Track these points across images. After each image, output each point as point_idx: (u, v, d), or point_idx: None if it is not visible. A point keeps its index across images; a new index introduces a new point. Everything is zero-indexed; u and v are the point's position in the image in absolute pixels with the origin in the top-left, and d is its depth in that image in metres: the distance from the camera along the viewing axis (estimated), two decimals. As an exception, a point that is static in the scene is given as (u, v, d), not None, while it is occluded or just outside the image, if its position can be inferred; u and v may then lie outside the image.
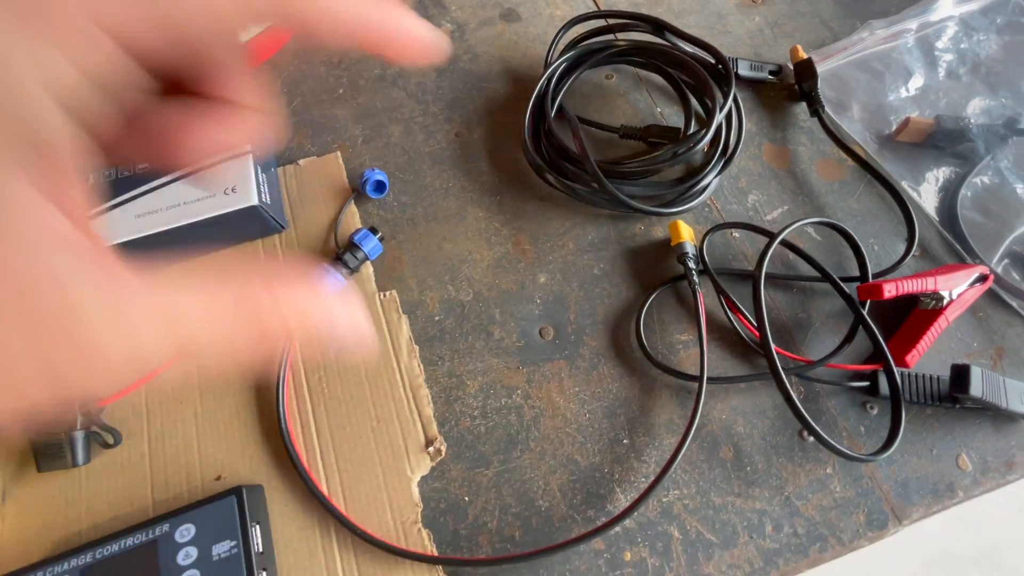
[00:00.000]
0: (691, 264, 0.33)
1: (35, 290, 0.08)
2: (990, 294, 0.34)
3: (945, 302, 0.31)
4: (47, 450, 0.29)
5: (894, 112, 0.39)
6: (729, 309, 0.32)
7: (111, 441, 0.30)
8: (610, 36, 0.41)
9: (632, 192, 0.35)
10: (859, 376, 0.31)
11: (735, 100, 0.37)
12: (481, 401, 0.31)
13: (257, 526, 0.27)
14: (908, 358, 0.30)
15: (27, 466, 0.29)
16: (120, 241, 0.31)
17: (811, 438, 0.30)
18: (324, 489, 0.29)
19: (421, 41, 0.12)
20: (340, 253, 0.33)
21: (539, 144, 0.38)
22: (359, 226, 0.35)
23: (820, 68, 0.40)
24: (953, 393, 0.29)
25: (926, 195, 0.37)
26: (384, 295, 0.34)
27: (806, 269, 0.34)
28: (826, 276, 0.32)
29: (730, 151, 0.37)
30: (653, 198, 0.36)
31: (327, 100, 0.41)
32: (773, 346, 0.29)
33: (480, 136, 0.40)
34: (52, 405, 0.09)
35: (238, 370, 0.20)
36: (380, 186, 0.37)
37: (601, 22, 0.41)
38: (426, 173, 0.38)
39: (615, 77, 0.42)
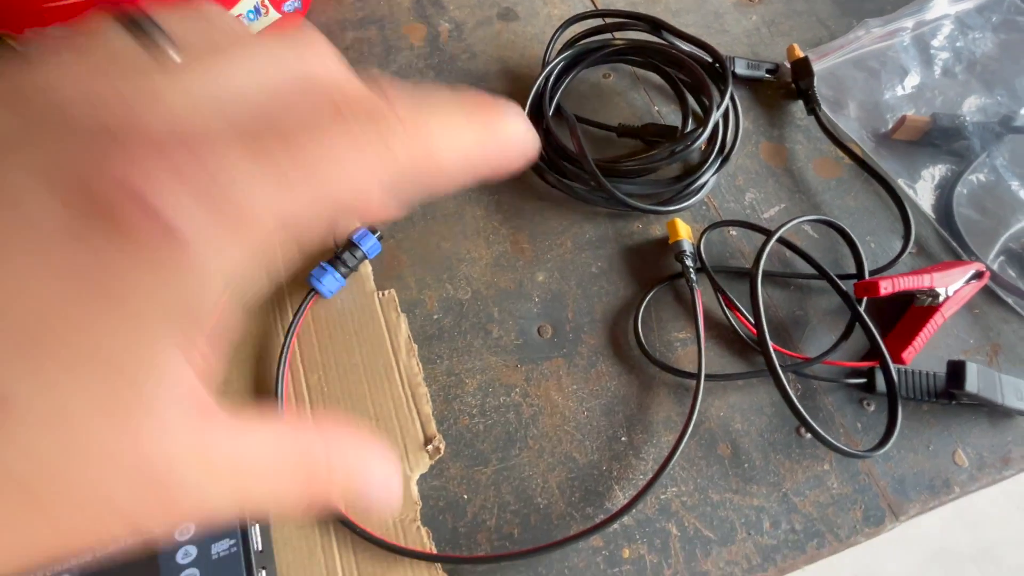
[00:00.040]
0: (689, 262, 0.33)
1: (146, 441, 0.09)
2: (986, 291, 0.34)
3: (941, 299, 0.31)
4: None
5: (890, 110, 0.39)
6: (727, 307, 0.32)
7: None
8: (607, 35, 0.41)
9: (630, 191, 0.35)
10: (856, 373, 0.31)
11: (732, 99, 0.37)
12: (480, 399, 0.31)
13: (256, 524, 0.27)
14: (904, 355, 0.30)
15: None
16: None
17: (808, 435, 0.30)
18: (323, 487, 0.29)
19: (527, 142, 0.13)
20: (339, 252, 0.33)
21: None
22: (357, 225, 0.36)
23: (817, 67, 0.40)
24: (949, 389, 0.29)
25: (922, 193, 0.37)
26: (383, 294, 0.34)
27: (803, 267, 0.34)
28: (823, 273, 0.32)
29: (727, 149, 0.37)
30: (651, 196, 0.36)
31: (325, 100, 0.41)
32: (770, 343, 0.29)
33: (478, 135, 0.40)
34: (119, 539, 0.09)
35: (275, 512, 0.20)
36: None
37: (598, 21, 0.41)
38: (424, 172, 0.38)
39: (612, 76, 0.42)
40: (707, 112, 0.35)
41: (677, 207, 0.35)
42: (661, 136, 0.38)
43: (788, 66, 0.41)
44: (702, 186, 0.36)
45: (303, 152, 0.09)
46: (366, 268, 0.35)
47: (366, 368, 0.32)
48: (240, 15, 0.40)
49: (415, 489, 0.29)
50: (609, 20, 0.41)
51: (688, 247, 0.33)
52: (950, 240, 0.35)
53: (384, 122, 0.10)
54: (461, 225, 0.36)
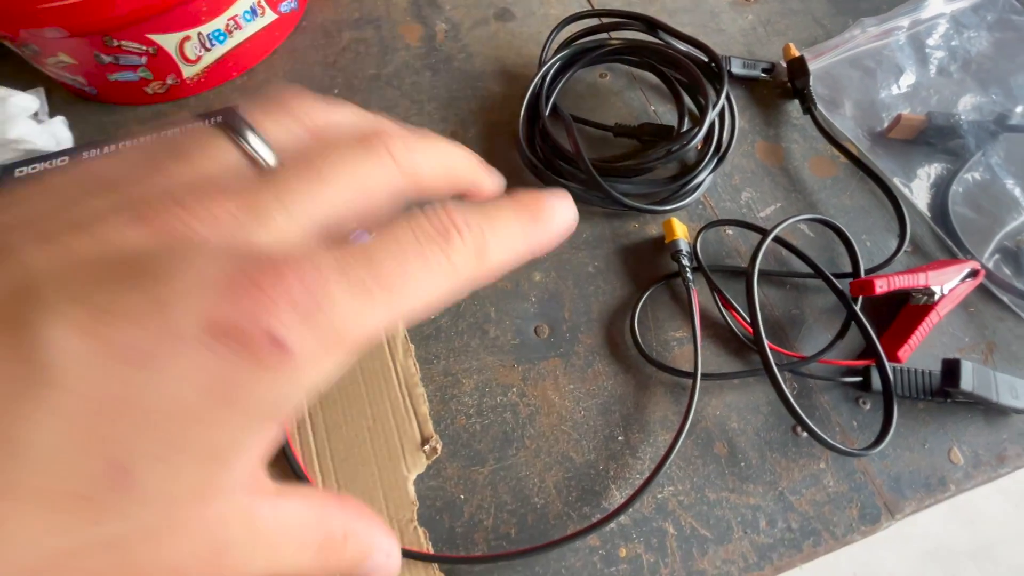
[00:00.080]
0: (685, 261, 0.33)
1: (217, 517, 0.11)
2: (981, 289, 0.34)
3: (936, 297, 0.31)
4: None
5: (886, 109, 0.40)
6: (723, 306, 0.32)
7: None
8: (604, 35, 0.41)
9: (626, 190, 0.35)
10: (852, 371, 0.31)
11: (728, 98, 0.37)
12: (477, 399, 0.31)
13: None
14: (900, 353, 0.30)
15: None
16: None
17: (804, 433, 0.30)
18: (319, 488, 0.29)
19: (572, 226, 0.14)
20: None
21: (533, 143, 0.38)
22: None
23: (812, 66, 0.40)
24: (944, 388, 0.29)
25: (918, 191, 0.37)
26: (379, 294, 0.34)
27: (799, 265, 0.34)
28: (819, 272, 0.33)
29: (723, 149, 0.37)
30: (647, 196, 0.36)
31: (321, 100, 0.41)
32: (766, 342, 0.29)
33: (475, 135, 0.40)
34: None
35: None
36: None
37: (595, 21, 0.41)
38: (421, 172, 0.38)
39: (609, 76, 0.42)
40: (703, 111, 0.36)
41: (673, 206, 0.35)
42: (657, 136, 0.38)
43: (784, 65, 0.41)
44: (698, 185, 0.36)
45: (385, 274, 0.11)
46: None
47: (363, 369, 0.32)
48: (236, 15, 0.40)
49: (412, 489, 0.29)
50: (605, 20, 0.41)
51: (684, 246, 0.33)
52: (945, 239, 0.35)
53: (451, 243, 0.12)
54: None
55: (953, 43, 0.42)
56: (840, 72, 0.41)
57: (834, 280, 0.32)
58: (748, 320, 0.31)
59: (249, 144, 0.12)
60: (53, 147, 0.37)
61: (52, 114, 0.40)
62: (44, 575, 0.09)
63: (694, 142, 0.35)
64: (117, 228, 0.10)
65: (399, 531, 0.28)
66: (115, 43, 0.37)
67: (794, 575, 0.29)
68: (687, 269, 0.33)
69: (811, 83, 0.39)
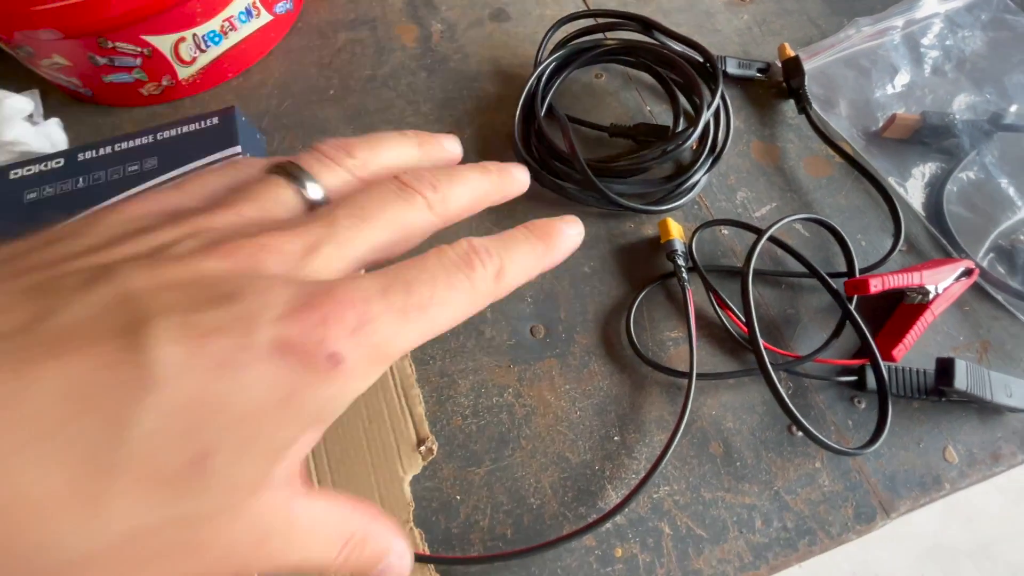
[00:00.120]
0: (680, 261, 0.33)
1: (266, 508, 0.12)
2: (976, 288, 0.34)
3: (931, 296, 0.31)
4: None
5: (881, 109, 0.40)
6: (718, 306, 0.33)
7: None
8: (599, 35, 0.41)
9: (622, 190, 0.35)
10: (847, 371, 0.31)
11: (723, 98, 0.37)
12: (472, 400, 0.31)
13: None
14: (895, 352, 0.30)
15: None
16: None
17: (800, 433, 0.30)
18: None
19: (578, 243, 0.17)
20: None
21: (529, 143, 0.38)
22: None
23: (807, 65, 0.40)
24: (938, 386, 0.29)
25: (912, 190, 0.37)
26: (375, 295, 0.34)
27: (794, 265, 0.34)
28: (813, 272, 0.33)
29: (718, 148, 0.37)
30: (643, 196, 0.36)
31: (317, 101, 0.41)
32: (761, 342, 0.29)
33: (470, 136, 0.40)
34: None
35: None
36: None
37: (590, 21, 0.41)
38: (416, 173, 0.38)
39: (604, 76, 0.42)
40: (698, 111, 0.36)
41: (669, 206, 0.35)
42: (653, 136, 0.38)
43: (779, 65, 0.41)
44: (694, 185, 0.36)
45: (418, 298, 0.13)
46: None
47: (359, 370, 0.32)
48: (231, 17, 0.40)
49: (408, 490, 0.29)
50: (601, 20, 0.41)
51: (680, 246, 0.34)
52: (940, 238, 0.35)
53: (474, 270, 0.14)
54: (454, 227, 0.36)
55: (948, 42, 0.42)
56: (835, 72, 0.41)
57: (829, 280, 0.32)
58: (743, 320, 0.31)
59: (307, 190, 0.14)
60: (48, 149, 0.37)
61: (47, 116, 0.40)
62: (131, 545, 0.11)
63: (689, 142, 0.35)
64: (202, 257, 0.12)
65: (395, 532, 0.28)
66: (110, 45, 0.37)
67: (793, 573, 0.30)
68: (682, 269, 0.33)
69: (806, 83, 0.39)
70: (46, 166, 0.33)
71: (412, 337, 0.13)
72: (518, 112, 0.38)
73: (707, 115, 0.35)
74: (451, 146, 0.18)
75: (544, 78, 0.39)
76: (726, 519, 0.28)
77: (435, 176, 0.15)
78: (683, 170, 0.36)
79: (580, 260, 0.35)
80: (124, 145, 0.34)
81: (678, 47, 0.39)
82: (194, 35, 0.38)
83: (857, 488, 0.29)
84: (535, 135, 0.38)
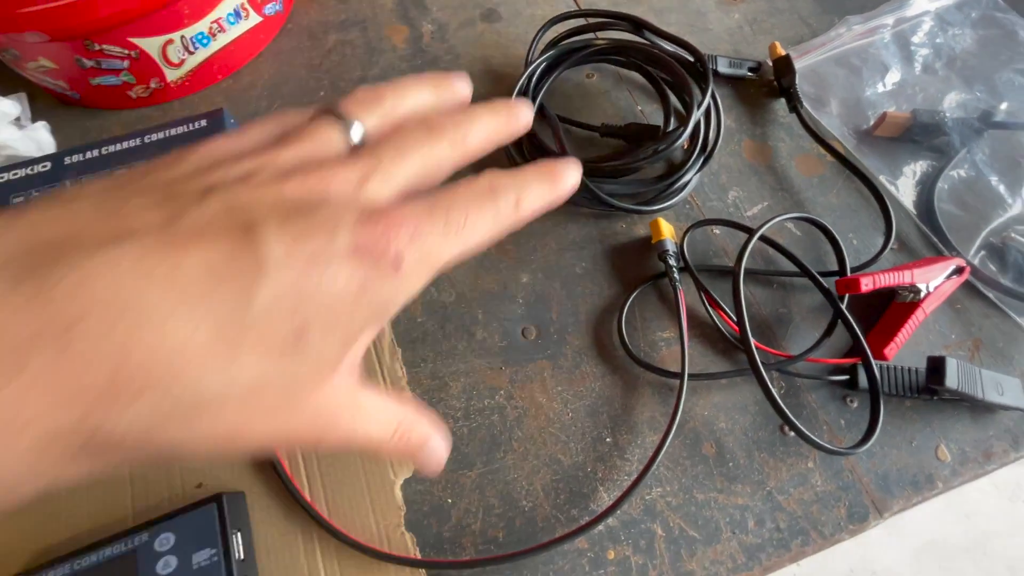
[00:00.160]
0: (672, 261, 0.33)
1: (340, 387, 0.16)
2: (967, 286, 0.34)
3: (922, 295, 0.31)
4: (24, 461, 0.28)
5: (871, 107, 0.40)
6: (710, 305, 0.32)
7: (90, 450, 0.29)
8: (590, 35, 0.41)
9: (613, 190, 0.35)
10: (839, 370, 0.31)
11: (713, 97, 0.37)
12: (464, 402, 0.31)
13: (238, 533, 0.27)
14: (886, 351, 0.30)
15: (4, 478, 0.29)
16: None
17: (792, 433, 0.30)
18: (306, 494, 0.29)
19: (577, 184, 0.19)
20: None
21: (520, 143, 0.38)
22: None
23: (798, 64, 0.40)
24: (930, 385, 0.29)
25: (903, 189, 0.37)
26: (365, 298, 0.34)
27: (786, 264, 0.34)
28: (805, 271, 0.33)
29: (709, 148, 0.37)
30: (634, 196, 0.36)
31: (308, 102, 0.41)
32: (753, 341, 0.29)
33: (461, 137, 0.40)
34: (298, 445, 0.17)
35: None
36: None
37: (581, 21, 0.41)
38: (407, 175, 0.38)
39: (595, 76, 0.42)
40: (689, 111, 0.35)
41: (660, 206, 0.35)
42: (644, 135, 0.38)
43: (770, 64, 0.41)
44: (685, 185, 0.36)
45: (455, 218, 0.16)
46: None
47: (349, 373, 0.32)
48: (220, 18, 0.39)
49: (399, 494, 0.29)
50: (592, 20, 0.41)
51: (671, 246, 0.33)
52: (931, 236, 0.35)
53: (498, 197, 0.17)
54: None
55: (938, 40, 0.42)
56: (826, 70, 0.41)
57: (820, 279, 0.32)
58: (735, 319, 0.31)
59: (351, 131, 0.17)
60: (35, 152, 0.37)
61: (35, 119, 0.39)
62: (253, 395, 0.14)
63: (679, 141, 0.35)
64: (281, 183, 0.15)
65: (386, 537, 0.28)
66: (96, 47, 0.36)
67: (790, 571, 0.29)
68: (674, 269, 0.33)
69: (797, 81, 0.39)
70: (32, 170, 0.33)
71: (452, 250, 0.16)
72: (509, 113, 0.38)
73: (697, 114, 0.35)
74: (462, 86, 0.20)
75: (535, 78, 0.39)
76: (719, 520, 0.28)
77: (456, 118, 0.18)
78: (674, 170, 0.36)
79: (571, 261, 0.35)
80: (111, 148, 0.34)
81: (669, 47, 0.39)
82: (182, 37, 0.38)
83: (850, 488, 0.29)
84: (525, 135, 0.37)
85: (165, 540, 0.26)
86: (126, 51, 0.37)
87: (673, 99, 0.39)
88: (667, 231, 0.34)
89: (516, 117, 0.19)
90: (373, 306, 0.15)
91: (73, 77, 0.38)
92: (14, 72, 0.40)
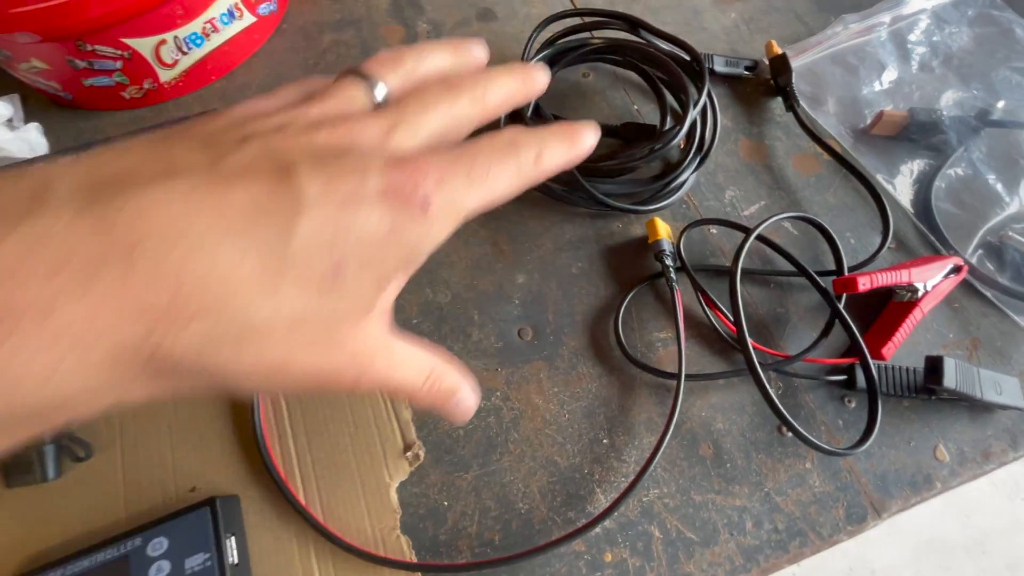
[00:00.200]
0: (668, 261, 0.33)
1: (372, 330, 0.17)
2: (965, 285, 0.34)
3: (920, 294, 0.31)
4: (16, 465, 0.28)
5: (868, 105, 0.40)
6: (707, 306, 0.32)
7: (82, 454, 0.29)
8: (586, 34, 0.41)
9: (609, 190, 0.35)
10: (836, 370, 0.31)
11: (709, 95, 0.37)
12: (460, 404, 0.31)
13: (232, 537, 0.26)
14: (884, 351, 0.30)
15: (-4, 482, 0.28)
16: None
17: (789, 433, 0.30)
18: (301, 498, 0.28)
19: (594, 145, 0.20)
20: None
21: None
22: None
23: (795, 63, 0.40)
24: (928, 385, 0.29)
25: (901, 188, 0.37)
26: (360, 299, 0.33)
27: (783, 264, 0.34)
28: (802, 271, 0.32)
29: (706, 147, 0.37)
30: (630, 196, 0.36)
31: (301, 103, 0.41)
32: (750, 341, 0.29)
33: (456, 137, 0.39)
34: (337, 385, 0.17)
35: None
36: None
37: (577, 20, 0.41)
38: (402, 175, 0.38)
39: (591, 75, 0.42)
40: (685, 110, 0.35)
41: (657, 206, 0.35)
42: (640, 135, 0.37)
43: (767, 63, 0.41)
44: (681, 184, 0.36)
45: (479, 169, 0.17)
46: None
47: (344, 375, 0.31)
48: (213, 19, 0.39)
49: (394, 497, 0.29)
50: (588, 19, 0.41)
51: (668, 246, 0.33)
52: (929, 235, 0.35)
53: (520, 151, 0.17)
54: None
55: (934, 39, 0.42)
56: (822, 69, 0.41)
57: (817, 278, 0.32)
58: (732, 319, 0.31)
59: (375, 90, 0.18)
60: (28, 154, 0.37)
61: (27, 120, 0.39)
62: (295, 328, 0.15)
63: (676, 140, 0.34)
64: (313, 133, 0.16)
65: (382, 540, 0.28)
66: (89, 48, 0.36)
67: (790, 570, 0.29)
68: (671, 269, 0.32)
69: (794, 80, 0.39)
70: (24, 172, 0.33)
71: (475, 199, 0.17)
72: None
73: (694, 113, 0.35)
74: (478, 51, 0.20)
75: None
76: (716, 521, 0.28)
77: (475, 77, 0.19)
78: (671, 169, 0.36)
79: (567, 261, 0.35)
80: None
81: (665, 46, 0.39)
82: (175, 37, 0.38)
83: (848, 488, 0.29)
84: (522, 135, 0.37)
85: (158, 544, 0.26)
86: (119, 52, 0.37)
87: (669, 98, 0.39)
88: (663, 231, 0.34)
89: (533, 79, 0.20)
90: (403, 248, 0.16)
91: (66, 78, 0.38)
92: (6, 73, 0.40)
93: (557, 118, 0.38)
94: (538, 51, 0.40)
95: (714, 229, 0.36)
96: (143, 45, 0.37)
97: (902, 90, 0.40)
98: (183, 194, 0.13)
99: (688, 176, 0.36)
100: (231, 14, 0.40)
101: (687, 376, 0.30)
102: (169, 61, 0.39)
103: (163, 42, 0.38)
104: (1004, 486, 1.08)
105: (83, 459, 0.29)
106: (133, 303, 0.13)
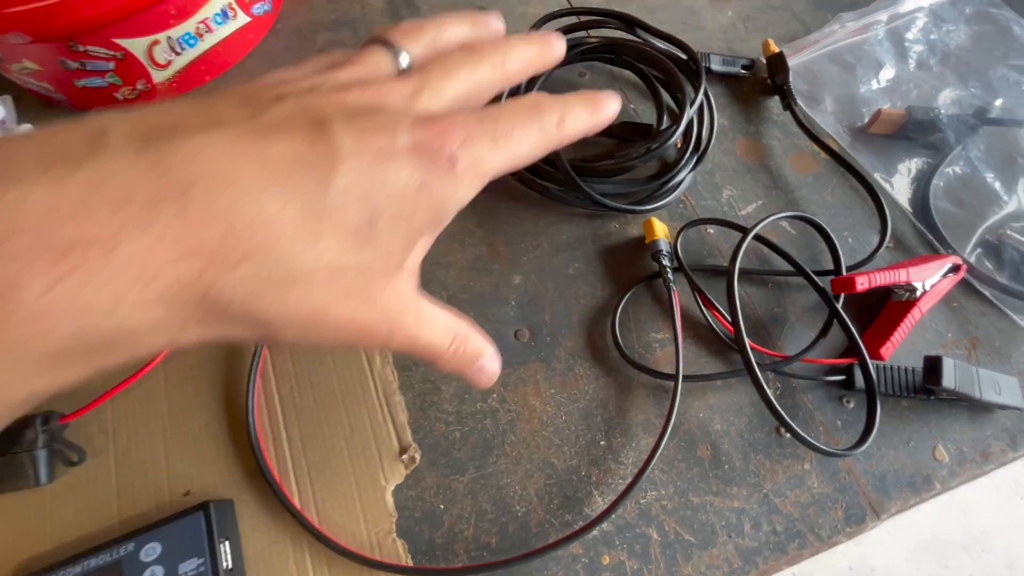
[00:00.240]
0: (666, 262, 0.32)
1: (403, 288, 0.18)
2: (963, 284, 0.34)
3: (918, 293, 0.31)
4: (8, 470, 0.28)
5: (866, 104, 0.39)
6: (704, 306, 0.32)
7: (75, 459, 0.29)
8: (582, 33, 0.41)
9: (605, 190, 0.35)
10: (835, 370, 0.31)
11: (706, 95, 0.37)
12: (456, 406, 0.31)
13: (226, 542, 0.26)
14: (883, 351, 0.30)
15: (-12, 487, 0.28)
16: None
17: (788, 434, 0.29)
18: (296, 501, 0.28)
19: (616, 113, 0.20)
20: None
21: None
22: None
23: (792, 61, 0.40)
24: (926, 385, 0.29)
25: (899, 186, 0.37)
26: (356, 301, 0.33)
27: (781, 264, 0.34)
28: (800, 270, 0.32)
29: (703, 146, 0.36)
30: (627, 195, 0.36)
31: (296, 104, 0.41)
32: (748, 342, 0.28)
33: (452, 137, 0.39)
34: (368, 341, 0.17)
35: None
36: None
37: (573, 19, 0.41)
38: (398, 176, 0.38)
39: (588, 74, 0.42)
40: (682, 109, 0.35)
41: (654, 206, 0.35)
42: (637, 134, 0.37)
43: (764, 61, 0.41)
44: (678, 184, 0.36)
45: (504, 130, 0.17)
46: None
47: (339, 377, 0.31)
48: (207, 19, 0.39)
49: (390, 500, 0.28)
50: (584, 18, 0.40)
51: (665, 246, 0.33)
52: (927, 234, 0.35)
53: (543, 115, 0.18)
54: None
55: (932, 37, 0.42)
56: (820, 67, 0.41)
57: (815, 278, 0.32)
58: (729, 320, 0.30)
59: (399, 57, 0.18)
60: (19, 156, 0.36)
61: (20, 122, 0.39)
62: (332, 277, 0.15)
63: (672, 140, 0.34)
64: (343, 93, 0.16)
65: (377, 544, 0.27)
66: (81, 48, 0.36)
67: (789, 571, 0.29)
68: (668, 269, 0.32)
69: (791, 79, 0.39)
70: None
71: (499, 160, 0.17)
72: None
73: (690, 112, 0.35)
74: (496, 23, 0.21)
75: (522, 89, 0.38)
76: (715, 523, 0.28)
77: (495, 44, 0.19)
78: (668, 168, 0.36)
79: (564, 262, 0.35)
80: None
81: (661, 44, 0.39)
82: (168, 38, 0.38)
83: (847, 489, 0.29)
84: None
85: (151, 550, 0.25)
86: (111, 52, 0.37)
87: (666, 97, 0.39)
88: (661, 231, 0.34)
89: (551, 47, 0.21)
90: (432, 204, 0.16)
91: (58, 79, 0.38)
92: (-2, 74, 0.39)
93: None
94: (534, 50, 0.39)
95: (711, 229, 0.36)
96: (136, 46, 0.37)
97: (900, 88, 0.40)
98: (229, 142, 0.14)
99: (685, 176, 0.36)
100: (225, 14, 0.40)
101: (685, 377, 0.30)
102: (162, 62, 0.39)
103: (156, 42, 0.37)
104: (1003, 484, 1.08)
105: (76, 464, 0.29)
106: (188, 242, 0.13)
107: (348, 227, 0.15)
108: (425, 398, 0.31)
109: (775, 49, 0.40)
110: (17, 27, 0.33)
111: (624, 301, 0.33)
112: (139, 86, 0.39)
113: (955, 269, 0.32)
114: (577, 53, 0.40)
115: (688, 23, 0.44)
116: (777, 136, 0.39)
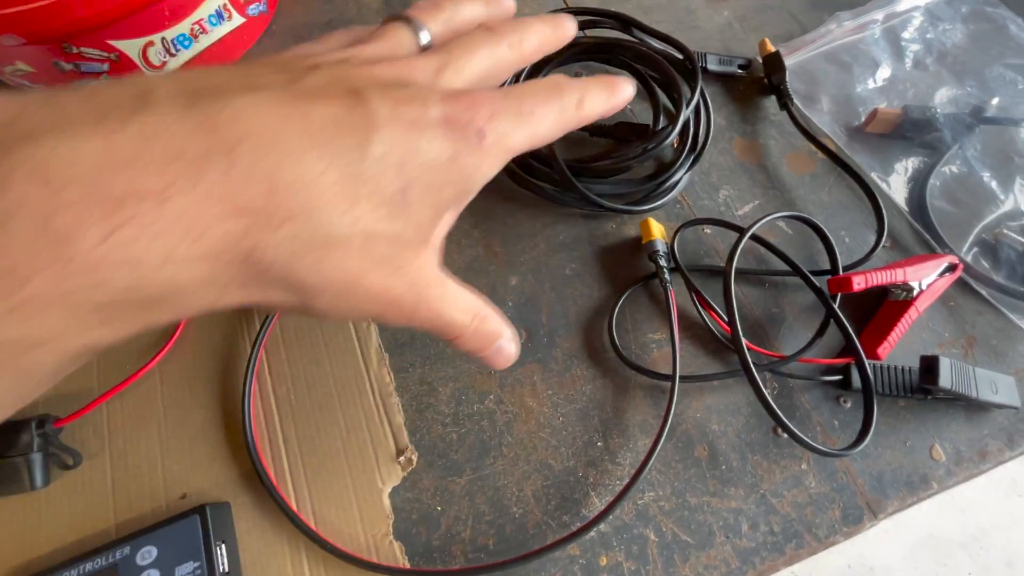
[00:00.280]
0: (662, 262, 0.32)
1: (427, 264, 0.18)
2: (960, 283, 0.34)
3: (915, 293, 0.31)
4: (3, 474, 0.28)
5: (862, 103, 0.39)
6: (701, 306, 0.32)
7: (71, 462, 0.29)
8: (578, 33, 0.40)
9: (602, 191, 0.35)
10: (832, 370, 0.31)
11: (702, 94, 0.37)
12: (453, 407, 0.31)
13: (223, 545, 0.26)
14: (879, 350, 0.30)
15: (-17, 491, 0.28)
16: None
17: (785, 434, 0.29)
18: (292, 503, 0.28)
19: (631, 96, 0.21)
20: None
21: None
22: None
23: (788, 61, 0.40)
24: (923, 384, 0.29)
25: (895, 186, 0.37)
26: (352, 303, 0.33)
27: (778, 264, 0.34)
28: (797, 270, 0.32)
29: (699, 146, 0.36)
30: (624, 196, 0.36)
31: (292, 105, 0.41)
32: (744, 342, 0.28)
33: (449, 138, 0.39)
34: (393, 317, 0.18)
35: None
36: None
37: (568, 19, 0.41)
38: (394, 177, 0.37)
39: (584, 74, 0.42)
40: (678, 109, 0.35)
41: (650, 206, 0.35)
42: (633, 134, 0.37)
43: (760, 61, 0.41)
44: (675, 184, 0.35)
45: (527, 108, 0.17)
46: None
47: (336, 379, 0.31)
48: (201, 20, 0.39)
49: (387, 502, 0.28)
50: (580, 18, 0.40)
51: (662, 247, 0.33)
52: (924, 233, 0.35)
53: (564, 95, 0.18)
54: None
55: (928, 36, 0.42)
56: (816, 67, 0.41)
57: (812, 278, 0.32)
58: (726, 320, 0.30)
59: (420, 33, 0.19)
60: (14, 158, 0.36)
61: (14, 124, 0.39)
62: (367, 244, 0.15)
63: (669, 140, 0.34)
64: (371, 67, 0.17)
65: (374, 546, 0.27)
66: (75, 50, 0.36)
67: (788, 569, 0.29)
68: (664, 270, 0.32)
69: (787, 78, 0.39)
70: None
71: (522, 137, 0.17)
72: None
73: (687, 112, 0.34)
74: (508, 2, 0.21)
75: (522, 77, 0.38)
76: (712, 524, 0.28)
77: (512, 24, 0.20)
78: (664, 169, 0.36)
79: (561, 262, 0.35)
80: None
81: (658, 44, 0.39)
82: (163, 39, 0.38)
83: (844, 489, 0.29)
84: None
85: (147, 553, 0.25)
86: (105, 54, 0.36)
87: (662, 97, 0.39)
88: (657, 231, 0.34)
89: (564, 27, 0.21)
90: (461, 176, 0.17)
91: (52, 81, 0.38)
92: (-8, 76, 0.39)
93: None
94: (530, 51, 0.39)
95: (708, 229, 0.36)
96: (130, 47, 0.37)
97: (896, 88, 0.40)
98: (272, 105, 0.14)
99: (682, 176, 0.36)
100: (220, 15, 0.40)
101: (682, 377, 0.30)
102: (157, 63, 0.38)
103: (150, 44, 0.37)
104: (1001, 482, 1.09)
105: (72, 467, 0.29)
106: (234, 201, 0.13)
107: (383, 194, 0.15)
108: (422, 399, 0.31)
109: (771, 48, 0.40)
110: (10, 29, 0.33)
111: (621, 302, 0.33)
112: (134, 87, 0.39)
113: (952, 268, 0.32)
114: (573, 53, 0.40)
115: (684, 23, 0.44)
116: (774, 136, 0.39)
